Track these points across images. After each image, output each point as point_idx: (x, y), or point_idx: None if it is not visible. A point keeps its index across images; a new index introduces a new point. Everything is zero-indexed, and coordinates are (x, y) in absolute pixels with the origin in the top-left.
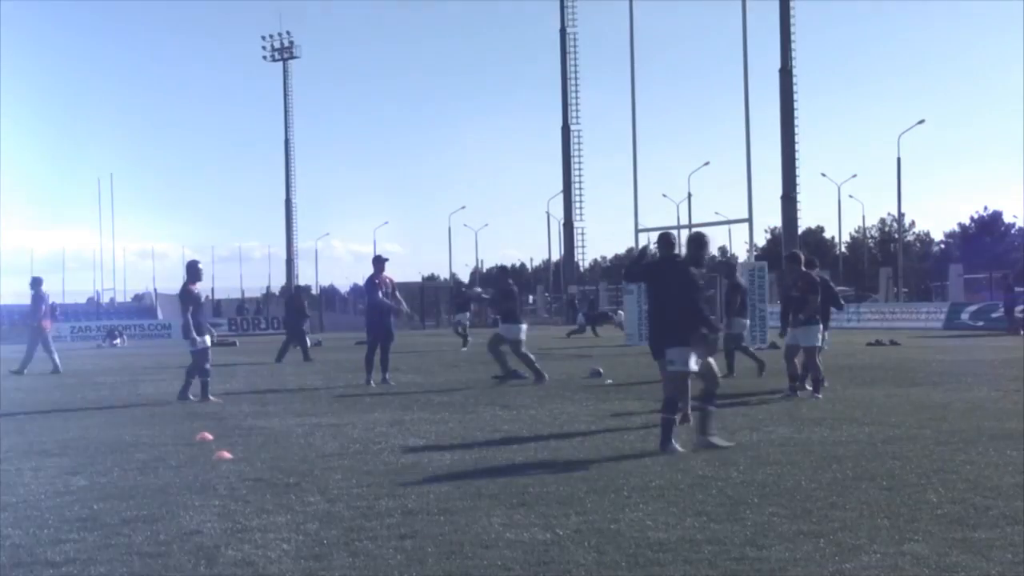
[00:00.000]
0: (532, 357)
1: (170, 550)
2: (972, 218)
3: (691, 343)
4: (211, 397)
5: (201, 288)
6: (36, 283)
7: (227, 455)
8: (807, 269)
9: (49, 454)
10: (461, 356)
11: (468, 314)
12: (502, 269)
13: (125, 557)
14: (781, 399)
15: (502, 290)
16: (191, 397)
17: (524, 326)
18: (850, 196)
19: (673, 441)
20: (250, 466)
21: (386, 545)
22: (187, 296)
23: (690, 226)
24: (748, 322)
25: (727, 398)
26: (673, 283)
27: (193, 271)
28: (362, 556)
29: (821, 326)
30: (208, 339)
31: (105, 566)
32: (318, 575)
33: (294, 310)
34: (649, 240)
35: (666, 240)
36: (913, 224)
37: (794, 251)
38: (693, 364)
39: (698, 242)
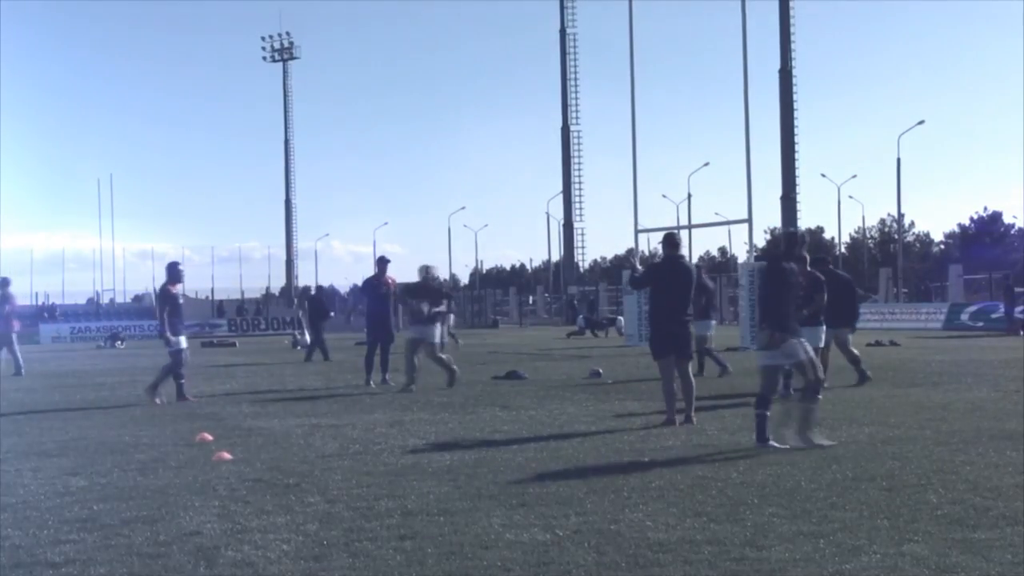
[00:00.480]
0: (443, 359)
1: (170, 551)
2: (972, 219)
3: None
4: (158, 400)
5: (181, 289)
6: (4, 283)
7: (227, 456)
8: (814, 268)
9: (49, 455)
10: (460, 356)
11: (452, 316)
12: (427, 268)
13: (125, 558)
14: (778, 399)
15: (434, 292)
16: (190, 398)
17: (438, 327)
18: (850, 196)
19: (768, 436)
20: (250, 467)
21: (386, 546)
22: (165, 296)
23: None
24: (715, 323)
25: (726, 398)
26: (678, 282)
27: (173, 272)
28: (362, 557)
29: (825, 327)
30: (183, 340)
31: (105, 567)
32: None
33: (317, 310)
34: (637, 247)
35: (671, 240)
36: (913, 224)
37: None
38: (799, 354)
39: (791, 239)
